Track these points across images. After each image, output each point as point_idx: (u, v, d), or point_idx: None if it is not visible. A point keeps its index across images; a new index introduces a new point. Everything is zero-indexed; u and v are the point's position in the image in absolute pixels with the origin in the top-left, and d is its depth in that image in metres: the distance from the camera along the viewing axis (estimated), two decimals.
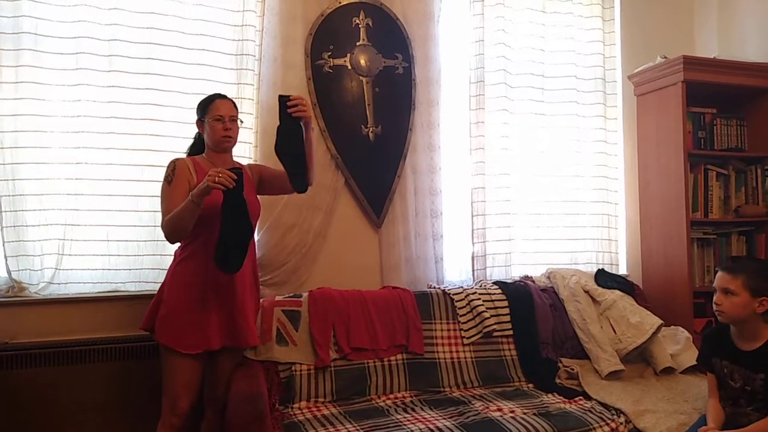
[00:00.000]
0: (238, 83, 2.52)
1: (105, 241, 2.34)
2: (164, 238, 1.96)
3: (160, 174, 2.39)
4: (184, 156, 2.11)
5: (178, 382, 1.94)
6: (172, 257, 2.03)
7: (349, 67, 2.67)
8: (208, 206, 1.86)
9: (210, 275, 1.93)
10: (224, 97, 2.07)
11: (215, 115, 2.01)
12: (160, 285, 2.03)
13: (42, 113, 2.27)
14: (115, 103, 2.35)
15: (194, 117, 2.08)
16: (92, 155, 2.33)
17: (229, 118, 2.02)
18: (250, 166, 2.20)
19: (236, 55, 2.52)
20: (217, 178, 1.77)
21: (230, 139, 2.04)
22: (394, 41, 2.74)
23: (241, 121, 2.10)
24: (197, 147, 2.14)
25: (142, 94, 2.39)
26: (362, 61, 2.68)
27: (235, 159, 2.15)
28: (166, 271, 2.04)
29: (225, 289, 1.97)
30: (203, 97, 2.09)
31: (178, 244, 2.01)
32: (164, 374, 1.97)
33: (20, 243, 2.25)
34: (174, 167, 1.97)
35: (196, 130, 2.12)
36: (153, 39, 2.40)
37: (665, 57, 2.95)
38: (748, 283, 1.87)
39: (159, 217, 2.46)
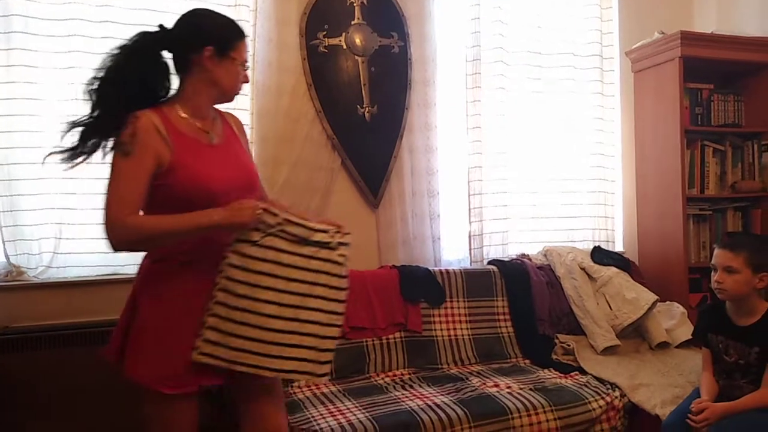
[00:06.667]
0: None
1: (103, 224, 2.34)
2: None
3: None
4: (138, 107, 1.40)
5: None
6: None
7: (345, 47, 2.64)
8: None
9: (211, 280, 1.42)
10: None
11: (243, 58, 1.50)
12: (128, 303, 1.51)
13: (35, 97, 2.25)
14: None
15: None
16: None
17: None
18: (228, 114, 1.63)
19: None
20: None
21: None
22: (389, 20, 2.71)
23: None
24: (156, 84, 1.46)
25: None
26: (357, 41, 2.66)
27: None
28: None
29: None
30: (212, 19, 1.50)
31: None
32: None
33: (17, 227, 2.24)
34: (134, 131, 1.34)
35: (162, 50, 1.47)
36: (145, 20, 2.37)
37: (663, 33, 2.93)
38: (750, 260, 1.88)
39: None
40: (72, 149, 1.40)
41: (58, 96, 2.28)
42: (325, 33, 2.62)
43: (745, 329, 1.92)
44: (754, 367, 1.89)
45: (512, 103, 2.93)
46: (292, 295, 1.44)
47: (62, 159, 1.41)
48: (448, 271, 2.63)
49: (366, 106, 2.67)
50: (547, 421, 1.98)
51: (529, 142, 2.99)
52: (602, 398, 2.09)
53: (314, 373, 1.46)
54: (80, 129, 1.39)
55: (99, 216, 2.26)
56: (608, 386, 2.18)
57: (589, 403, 2.06)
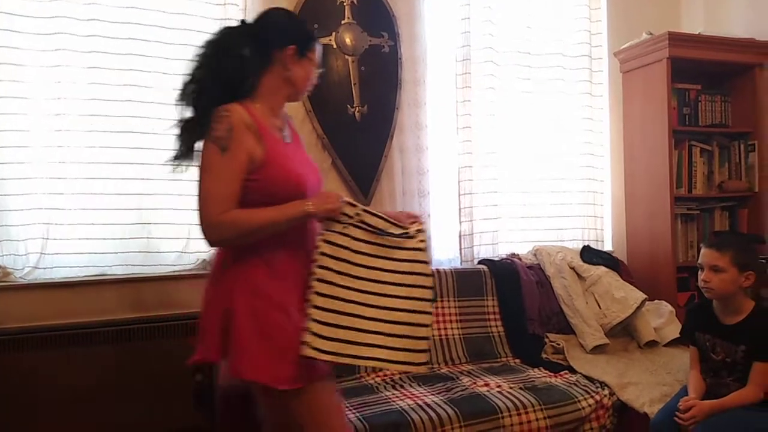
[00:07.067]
0: None
1: (90, 224, 2.32)
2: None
3: (145, 156, 2.37)
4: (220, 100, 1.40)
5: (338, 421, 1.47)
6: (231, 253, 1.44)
7: (335, 46, 2.64)
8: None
9: (303, 272, 1.44)
10: None
11: (317, 60, 1.55)
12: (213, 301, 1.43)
13: (21, 96, 2.22)
14: (96, 85, 2.30)
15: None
16: (75, 138, 2.29)
17: None
18: (287, 115, 1.65)
19: None
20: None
21: None
22: (379, 19, 2.71)
23: None
24: (242, 79, 1.43)
25: (124, 75, 2.34)
26: (347, 40, 2.65)
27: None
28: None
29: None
30: (294, 19, 1.58)
31: None
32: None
33: (3, 228, 2.21)
34: (231, 126, 1.34)
35: (243, 51, 1.43)
36: (133, 19, 2.35)
37: (651, 33, 2.95)
38: (736, 259, 1.90)
39: (145, 199, 2.40)
40: (181, 156, 1.41)
41: (45, 95, 2.25)
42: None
43: (732, 328, 1.94)
44: (741, 365, 1.91)
45: (502, 103, 2.94)
46: (377, 284, 1.46)
47: (176, 168, 1.42)
48: (438, 271, 2.64)
49: (356, 106, 2.67)
50: (537, 420, 1.99)
51: (518, 142, 3.00)
52: (591, 397, 2.11)
53: (413, 362, 1.46)
54: (183, 135, 1.40)
55: (87, 216, 2.30)
56: (597, 385, 2.20)
57: (579, 401, 2.07)
